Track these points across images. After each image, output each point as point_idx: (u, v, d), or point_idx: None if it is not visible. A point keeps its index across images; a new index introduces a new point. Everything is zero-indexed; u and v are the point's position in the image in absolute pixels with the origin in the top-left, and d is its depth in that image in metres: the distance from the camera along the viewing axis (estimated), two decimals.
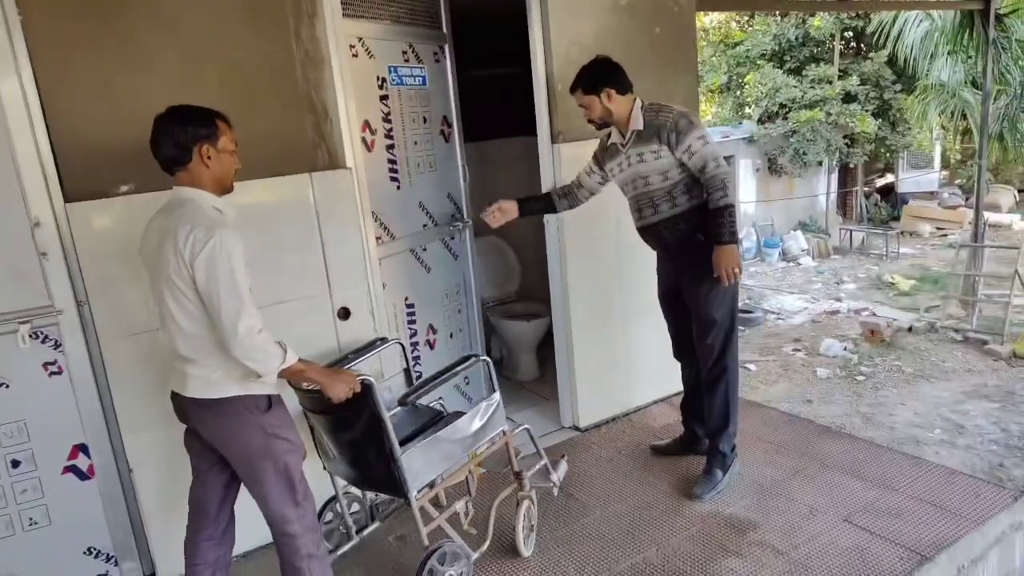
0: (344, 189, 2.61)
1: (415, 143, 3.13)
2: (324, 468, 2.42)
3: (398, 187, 3.04)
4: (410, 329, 3.15)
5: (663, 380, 3.60)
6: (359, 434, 2.11)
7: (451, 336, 3.45)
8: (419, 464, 2.15)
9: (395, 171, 3.01)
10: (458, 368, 2.34)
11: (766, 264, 11.66)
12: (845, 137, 12.14)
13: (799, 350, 7.11)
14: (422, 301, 3.22)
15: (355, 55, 2.68)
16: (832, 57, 12.29)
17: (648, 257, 3.35)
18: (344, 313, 2.67)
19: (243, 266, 1.79)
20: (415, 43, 3.08)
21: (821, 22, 11.58)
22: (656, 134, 2.58)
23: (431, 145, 3.25)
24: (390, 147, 2.96)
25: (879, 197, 14.69)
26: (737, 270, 2.55)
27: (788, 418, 3.59)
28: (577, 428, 3.45)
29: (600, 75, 2.62)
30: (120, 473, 2.38)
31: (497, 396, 2.43)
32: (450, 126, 3.38)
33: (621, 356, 3.47)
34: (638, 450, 3.20)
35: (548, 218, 3.21)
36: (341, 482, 2.48)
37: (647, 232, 2.78)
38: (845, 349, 6.78)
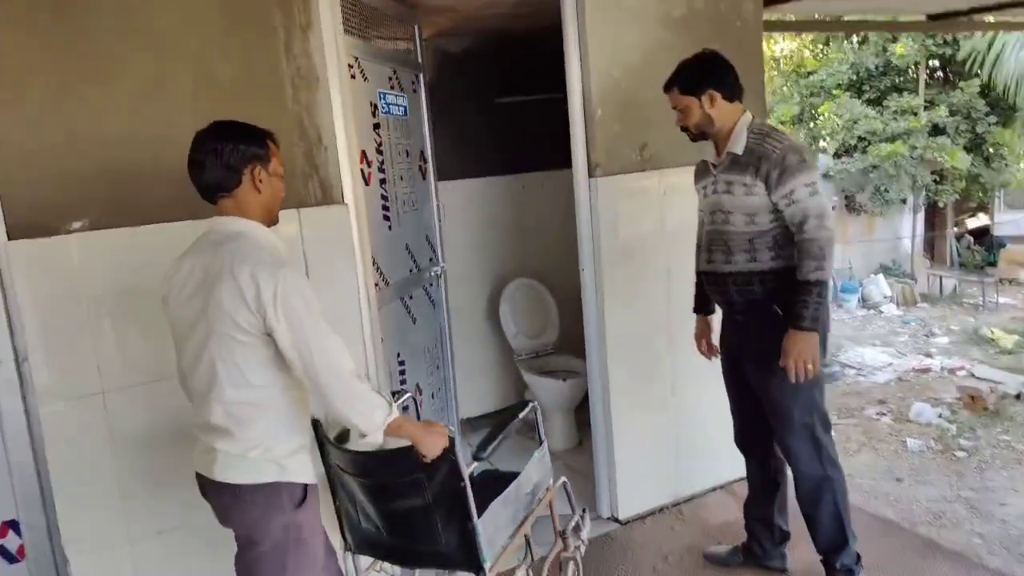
0: (339, 228, 2.24)
1: (401, 178, 2.80)
2: (346, 549, 1.95)
3: (390, 227, 2.68)
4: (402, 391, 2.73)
5: (722, 462, 3.03)
6: (428, 498, 1.70)
7: (432, 396, 3.07)
8: (491, 529, 1.79)
9: (387, 208, 2.66)
10: (520, 414, 2.01)
11: (844, 311, 10.75)
12: (933, 173, 11.19)
13: (884, 414, 6.29)
14: (411, 357, 2.85)
15: (352, 76, 2.33)
16: (916, 87, 11.43)
17: None
18: None
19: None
20: (398, 69, 2.80)
21: (904, 49, 10.79)
22: (755, 164, 2.09)
23: (413, 182, 2.96)
24: (383, 181, 2.61)
25: (972, 240, 13.52)
26: (811, 365, 2.03)
27: (882, 525, 2.95)
28: (616, 519, 2.92)
29: (704, 72, 2.17)
30: (55, 557, 2.03)
31: (546, 447, 2.13)
32: (426, 161, 3.11)
33: (670, 431, 2.95)
34: (690, 555, 2.65)
35: (584, 262, 2.76)
36: (364, 562, 2.04)
37: (713, 282, 2.29)
38: (940, 416, 5.93)
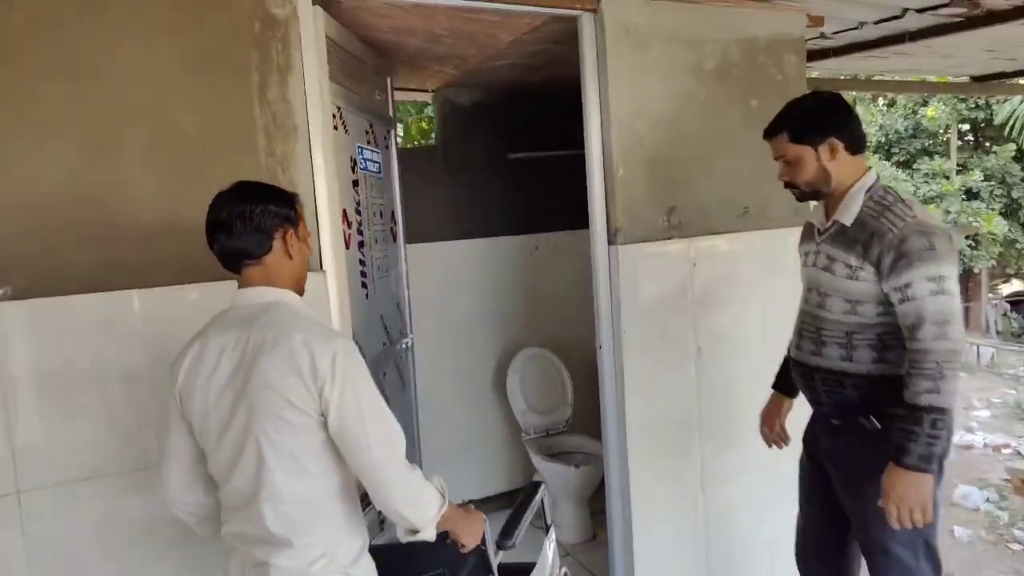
0: (315, 301, 1.91)
1: (376, 241, 2.52)
2: None
3: (367, 295, 2.36)
4: None
5: (757, 572, 2.61)
6: None
7: None
8: None
9: (365, 275, 2.35)
10: (534, 498, 1.77)
11: None
12: (967, 238, 10.80)
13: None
14: None
15: (335, 127, 2.04)
16: (947, 150, 11.16)
17: (745, 404, 2.48)
18: None
19: None
20: (374, 123, 2.56)
21: (936, 112, 10.55)
22: (865, 243, 1.65)
23: (386, 245, 2.71)
24: (361, 244, 2.30)
25: (1008, 307, 12.99)
26: (919, 515, 1.58)
27: None
28: None
29: (824, 116, 1.74)
30: None
31: (554, 535, 1.92)
32: (396, 223, 2.87)
33: (699, 534, 2.53)
34: None
35: (601, 338, 2.40)
36: None
37: (800, 373, 1.89)
38: (988, 501, 5.38)
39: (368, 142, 2.48)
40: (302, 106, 1.89)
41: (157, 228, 1.77)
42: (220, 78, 1.80)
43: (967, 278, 12.76)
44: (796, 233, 2.59)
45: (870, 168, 1.78)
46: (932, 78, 5.11)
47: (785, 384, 2.07)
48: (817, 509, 1.98)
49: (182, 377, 1.35)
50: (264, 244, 1.35)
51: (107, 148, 1.72)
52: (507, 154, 3.57)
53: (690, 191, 2.42)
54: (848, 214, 1.71)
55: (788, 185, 1.83)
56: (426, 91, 3.59)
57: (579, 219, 3.70)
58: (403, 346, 2.79)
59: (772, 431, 2.11)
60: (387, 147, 2.80)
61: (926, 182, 10.77)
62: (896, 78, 4.84)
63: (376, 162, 2.57)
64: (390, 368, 2.63)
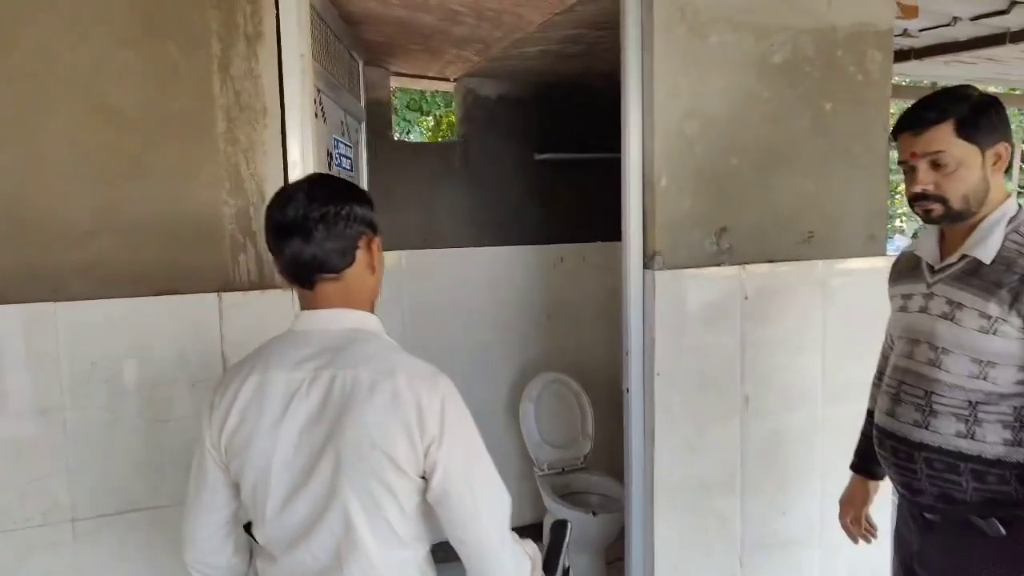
0: (278, 323, 1.56)
1: None
2: None
3: None
4: None
5: None
6: None
7: None
8: None
9: None
10: (567, 538, 1.41)
11: None
12: None
13: None
14: None
15: (316, 114, 1.67)
16: (1010, 169, 10.45)
17: (795, 464, 2.09)
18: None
19: None
20: (348, 111, 2.23)
21: None
22: (1014, 287, 1.27)
23: None
24: None
25: None
26: None
27: None
28: None
29: (999, 114, 1.34)
30: None
31: None
32: None
33: None
34: None
35: (630, 380, 2.01)
36: None
37: (892, 448, 1.44)
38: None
39: (343, 134, 2.16)
40: (274, 84, 1.53)
41: (87, 228, 1.43)
42: (168, 46, 1.45)
43: None
44: (870, 264, 2.19)
45: (1011, 194, 1.36)
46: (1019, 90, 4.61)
47: (870, 464, 1.65)
48: None
49: (233, 420, 1.04)
50: (348, 255, 1.07)
51: (22, 129, 1.39)
52: (534, 154, 3.19)
53: (745, 210, 2.01)
54: (987, 248, 1.30)
55: (920, 199, 1.36)
56: (447, 79, 3.23)
57: (611, 231, 3.34)
58: None
59: (856, 524, 1.70)
60: (356, 143, 2.50)
61: None
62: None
63: (349, 158, 2.25)
64: None
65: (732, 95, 1.96)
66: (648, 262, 1.93)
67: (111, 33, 1.41)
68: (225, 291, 1.52)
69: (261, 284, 1.55)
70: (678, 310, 1.94)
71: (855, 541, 1.71)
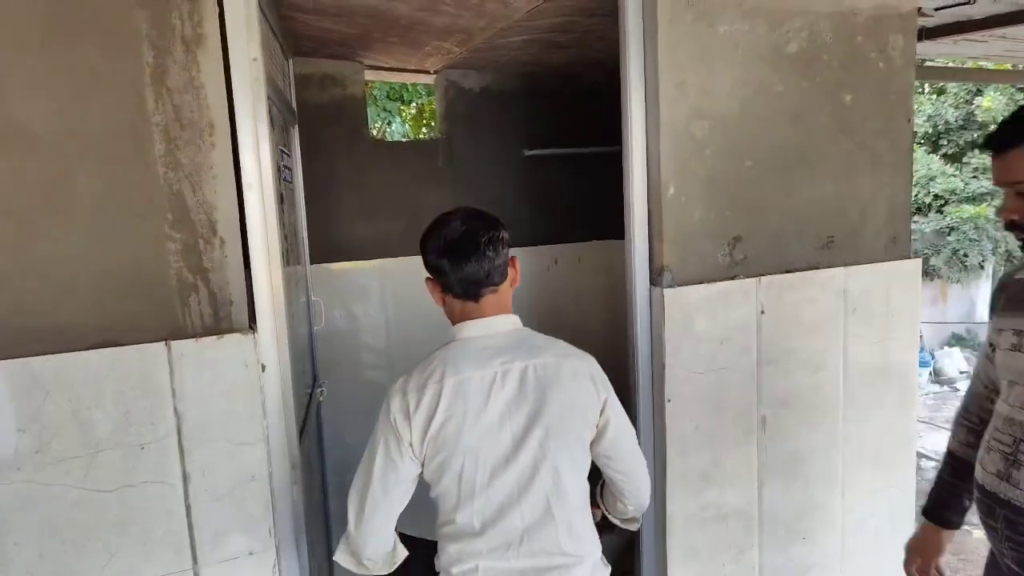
0: (238, 371, 1.36)
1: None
2: None
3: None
4: None
5: None
6: None
7: None
8: None
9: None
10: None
11: None
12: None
13: (976, 525, 5.15)
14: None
15: (270, 125, 1.45)
16: None
17: (815, 486, 1.93)
18: None
19: None
20: (287, 117, 2.06)
21: (992, 103, 9.73)
22: None
23: (297, 273, 2.23)
24: None
25: None
26: None
27: None
28: None
29: None
30: None
31: None
32: (300, 243, 2.41)
33: None
34: None
35: (639, 408, 1.82)
36: None
37: (1003, 516, 1.24)
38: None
39: (284, 143, 1.97)
40: (221, 95, 1.31)
41: None
42: (88, 54, 1.22)
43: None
44: (893, 269, 2.01)
45: None
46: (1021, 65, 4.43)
47: (946, 512, 1.45)
48: None
49: (440, 417, 1.22)
50: (504, 271, 1.31)
51: None
52: (523, 150, 2.98)
53: (761, 217, 1.82)
54: None
55: (1012, 227, 1.22)
56: (427, 72, 3.00)
57: (608, 229, 3.16)
58: (316, 395, 2.29)
59: (920, 572, 1.50)
60: (291, 152, 2.33)
61: (975, 177, 10.00)
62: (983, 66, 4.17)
63: (289, 168, 2.08)
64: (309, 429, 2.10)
65: (744, 90, 1.75)
66: (655, 278, 1.74)
67: (19, 38, 1.18)
68: (174, 339, 1.31)
69: (217, 329, 1.35)
70: (689, 330, 1.75)
71: None
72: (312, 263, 2.64)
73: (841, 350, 1.97)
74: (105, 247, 1.26)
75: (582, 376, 1.29)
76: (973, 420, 1.42)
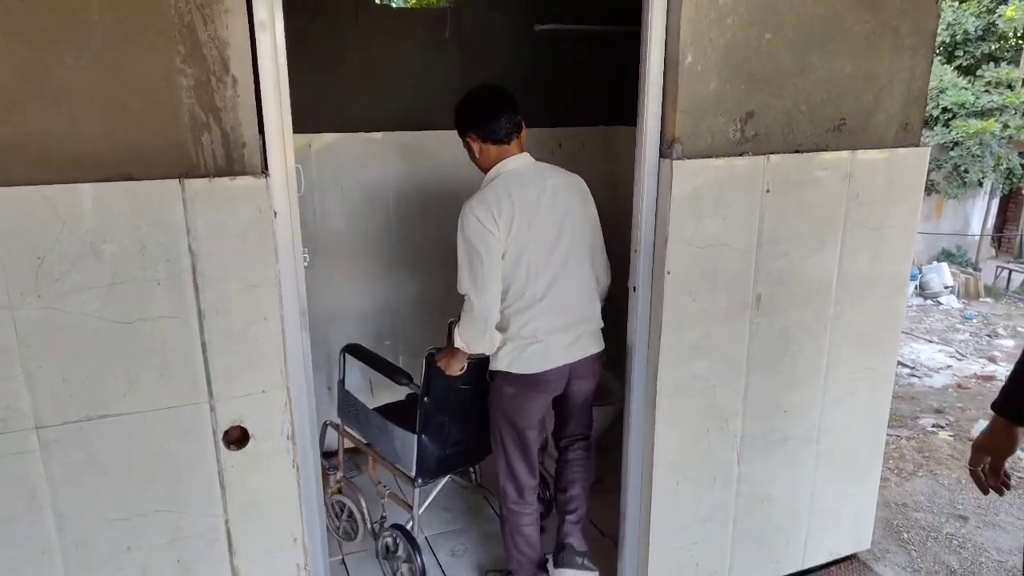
0: (251, 214, 1.37)
1: None
2: None
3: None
4: None
5: (789, 551, 2.25)
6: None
7: None
8: None
9: None
10: None
11: None
12: (1021, 155, 9.95)
13: (942, 427, 5.40)
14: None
15: None
16: (1018, 57, 10.06)
17: (801, 365, 2.02)
18: (237, 436, 1.46)
19: None
20: None
21: (1016, 12, 9.36)
22: None
23: None
24: None
25: None
26: None
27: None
28: None
29: None
30: None
31: None
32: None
33: (728, 511, 2.12)
34: None
35: (638, 278, 1.87)
36: None
37: None
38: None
39: None
40: None
41: (9, 96, 1.20)
42: None
43: (1007, 200, 12.01)
44: (901, 156, 2.01)
45: None
46: None
47: (1018, 405, 1.42)
48: None
49: (513, 221, 1.79)
50: (520, 124, 1.90)
51: None
52: (534, 25, 2.88)
53: (775, 93, 1.80)
54: None
55: None
56: None
57: (614, 114, 3.11)
58: None
59: (994, 474, 1.47)
60: None
61: (987, 91, 9.78)
62: None
63: None
64: None
65: None
66: (666, 150, 1.74)
67: None
68: (188, 177, 1.32)
69: (230, 170, 1.35)
70: (695, 205, 1.77)
71: (984, 491, 1.49)
72: (310, 132, 2.61)
73: (840, 234, 2.00)
74: (118, 77, 1.24)
75: (583, 192, 1.96)
76: None
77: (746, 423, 2.06)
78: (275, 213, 1.41)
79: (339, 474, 2.44)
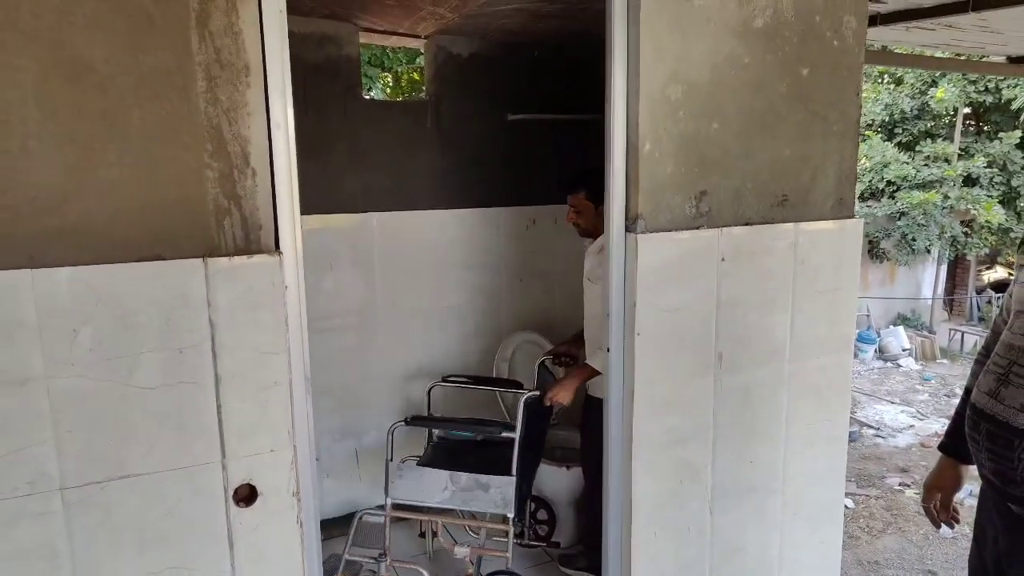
0: (266, 288, 1.54)
1: None
2: None
3: None
4: None
5: None
6: None
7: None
8: None
9: None
10: None
11: (859, 362, 10.08)
12: (962, 223, 10.59)
13: (908, 485, 5.58)
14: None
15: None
16: (951, 134, 10.86)
17: (762, 417, 2.17)
18: (246, 494, 1.57)
19: None
20: None
21: (945, 94, 10.19)
22: None
23: None
24: None
25: (992, 293, 12.90)
26: None
27: None
28: None
29: None
30: None
31: None
32: None
33: (704, 560, 2.24)
34: None
35: (610, 340, 2.05)
36: None
37: (987, 432, 1.37)
38: (972, 494, 5.23)
39: None
40: (256, 40, 1.47)
41: (61, 192, 1.37)
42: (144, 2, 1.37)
43: (954, 265, 12.65)
44: (839, 227, 2.27)
45: None
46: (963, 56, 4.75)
47: (960, 445, 1.57)
48: None
49: None
50: None
51: None
52: (507, 115, 3.16)
53: (725, 174, 2.05)
54: None
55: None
56: (418, 36, 3.15)
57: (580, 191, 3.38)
58: None
59: (944, 510, 1.63)
60: None
61: (926, 165, 10.49)
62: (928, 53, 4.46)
63: None
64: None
65: (715, 60, 1.97)
66: (631, 225, 1.96)
67: None
68: (211, 256, 1.48)
69: (247, 250, 1.52)
70: (658, 272, 1.98)
71: (937, 527, 1.63)
72: (303, 214, 2.79)
73: (790, 296, 2.22)
74: (154, 172, 1.42)
75: None
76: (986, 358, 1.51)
77: (715, 475, 2.21)
78: (286, 286, 1.58)
79: (388, 560, 2.50)
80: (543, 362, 2.81)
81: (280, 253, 1.56)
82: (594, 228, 2.48)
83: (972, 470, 1.60)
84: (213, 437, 1.53)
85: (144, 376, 1.45)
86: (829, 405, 2.37)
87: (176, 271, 1.45)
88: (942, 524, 1.66)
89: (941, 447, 1.64)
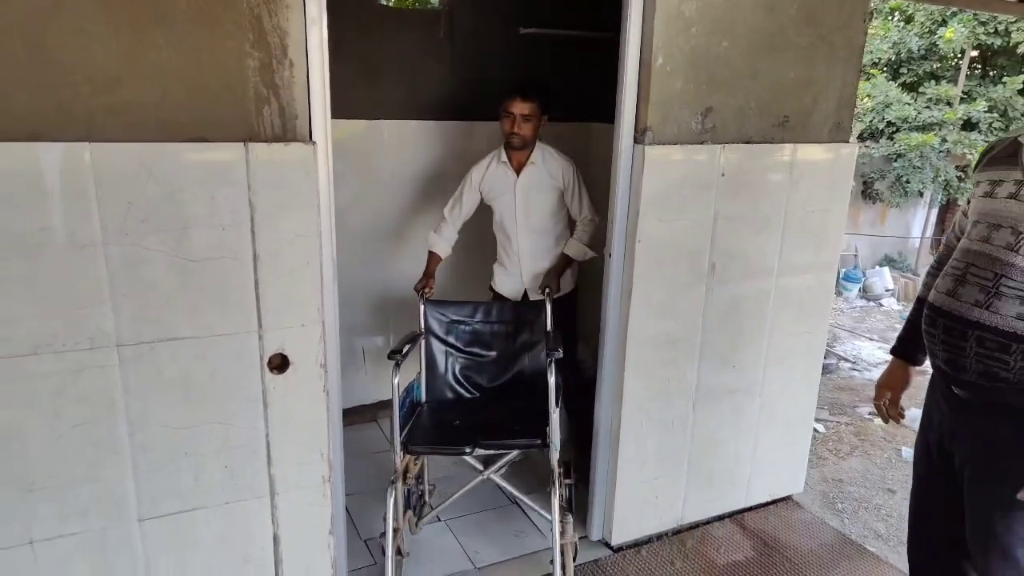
0: (300, 175, 1.66)
1: None
2: None
3: None
4: None
5: (736, 489, 2.60)
6: None
7: None
8: None
9: None
10: None
11: (843, 300, 10.34)
12: (957, 168, 10.65)
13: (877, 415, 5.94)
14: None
15: None
16: (956, 76, 10.76)
17: (748, 326, 2.34)
18: (279, 363, 1.74)
19: None
20: None
21: (954, 34, 10.06)
22: None
23: None
24: None
25: None
26: None
27: (873, 539, 2.54)
28: (608, 545, 2.47)
29: None
30: None
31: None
32: None
33: (683, 452, 2.46)
34: None
35: (613, 245, 2.20)
36: None
37: (943, 327, 1.50)
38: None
39: None
40: None
41: (113, 72, 1.46)
42: None
43: (945, 209, 12.77)
44: (834, 152, 2.39)
45: None
46: None
47: (910, 349, 1.75)
48: (935, 514, 1.67)
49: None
50: None
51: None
52: (519, 29, 3.19)
53: (730, 92, 2.15)
54: None
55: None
56: None
57: (587, 110, 3.44)
58: None
59: (893, 406, 1.80)
60: None
61: (928, 107, 10.44)
62: None
63: None
64: None
65: None
66: (639, 137, 2.07)
67: None
68: (251, 140, 1.59)
69: (285, 137, 1.63)
70: (662, 184, 2.11)
71: (886, 421, 1.83)
72: None
73: (783, 214, 2.36)
74: (199, 58, 1.51)
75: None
76: (941, 268, 1.63)
77: (700, 376, 2.40)
78: (319, 173, 1.69)
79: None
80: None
81: (314, 143, 1.67)
82: (532, 140, 2.60)
83: (917, 378, 1.77)
84: (251, 309, 1.68)
85: (190, 248, 1.58)
86: (810, 319, 2.55)
87: (220, 153, 1.57)
88: (890, 419, 1.84)
89: (893, 351, 1.82)
